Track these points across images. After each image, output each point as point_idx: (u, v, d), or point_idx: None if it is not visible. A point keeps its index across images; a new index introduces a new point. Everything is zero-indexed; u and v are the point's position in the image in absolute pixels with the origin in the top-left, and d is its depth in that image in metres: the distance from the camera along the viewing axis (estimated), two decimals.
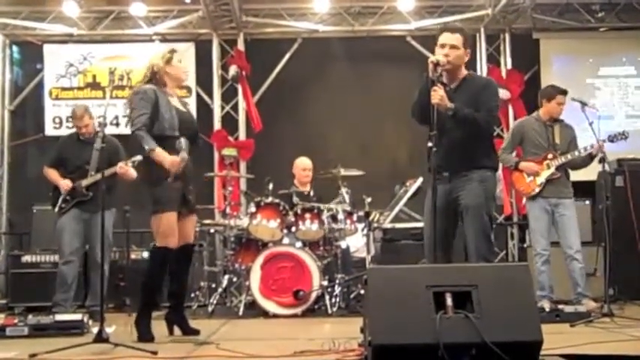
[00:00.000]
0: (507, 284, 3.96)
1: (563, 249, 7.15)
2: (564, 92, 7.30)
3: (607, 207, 6.88)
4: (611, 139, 7.03)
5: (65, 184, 7.19)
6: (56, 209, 7.25)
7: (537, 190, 7.20)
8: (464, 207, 5.01)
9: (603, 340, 5.02)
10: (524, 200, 7.47)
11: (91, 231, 7.20)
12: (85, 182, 7.16)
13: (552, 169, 7.17)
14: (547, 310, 6.49)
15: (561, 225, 7.16)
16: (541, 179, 7.19)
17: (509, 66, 10.37)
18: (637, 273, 7.87)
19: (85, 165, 7.20)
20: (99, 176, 6.99)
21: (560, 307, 6.56)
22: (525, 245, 9.45)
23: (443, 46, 5.08)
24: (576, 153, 7.13)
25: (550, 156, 7.20)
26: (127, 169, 6.91)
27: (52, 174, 7.36)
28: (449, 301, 3.79)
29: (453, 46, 5.06)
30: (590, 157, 7.11)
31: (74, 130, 7.58)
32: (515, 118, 10.09)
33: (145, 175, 5.66)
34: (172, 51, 5.73)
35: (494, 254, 5.24)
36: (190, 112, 5.81)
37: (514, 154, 7.50)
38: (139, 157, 6.75)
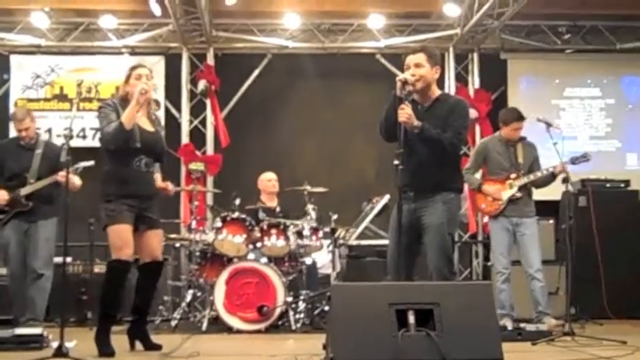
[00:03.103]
0: (469, 303, 3.99)
1: (524, 268, 7.20)
2: (520, 118, 7.28)
3: (570, 227, 6.95)
4: (573, 161, 7.07)
5: (1, 196, 6.80)
6: None
7: (499, 209, 7.22)
8: (426, 227, 4.99)
9: (564, 359, 5.07)
10: (485, 219, 7.47)
11: (30, 241, 6.90)
12: (24, 191, 6.81)
13: (514, 190, 7.18)
14: (509, 328, 6.54)
15: (522, 244, 7.19)
16: (503, 200, 7.20)
17: (477, 85, 10.47)
18: (598, 292, 7.96)
19: (24, 173, 6.87)
20: (39, 185, 6.81)
21: (522, 325, 6.62)
22: (489, 264, 9.52)
23: (408, 67, 5.09)
24: (539, 173, 7.15)
25: (513, 176, 7.22)
26: (70, 177, 6.39)
27: None
28: (411, 319, 3.81)
29: (417, 65, 5.05)
30: (553, 177, 7.12)
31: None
32: (481, 137, 10.21)
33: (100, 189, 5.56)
34: (133, 67, 5.65)
35: (454, 274, 5.24)
36: (158, 132, 5.70)
37: (479, 173, 7.52)
38: (82, 165, 6.64)
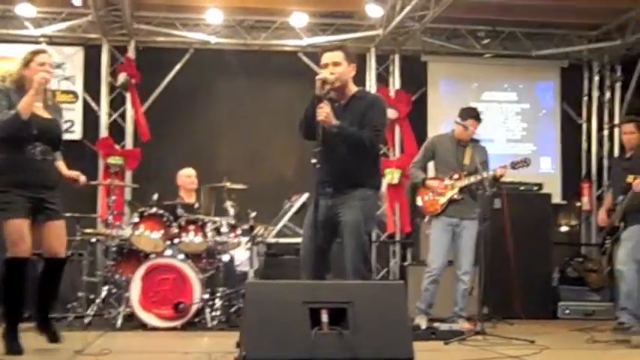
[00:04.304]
0: (382, 302, 4.05)
1: (454, 269, 7.27)
2: (476, 118, 7.27)
3: (484, 228, 7.08)
4: (514, 165, 7.03)
5: None
6: None
7: (440, 209, 7.19)
8: (343, 224, 5.04)
9: (475, 358, 5.18)
10: (426, 218, 7.46)
11: None
12: None
13: (455, 190, 7.15)
14: (423, 327, 6.64)
15: (457, 245, 7.20)
16: (444, 199, 7.17)
17: (397, 86, 10.58)
18: (510, 293, 8.13)
19: None
20: None
21: (436, 325, 6.72)
22: (406, 264, 9.65)
23: (326, 65, 5.12)
24: (479, 176, 7.00)
25: (456, 176, 7.17)
26: None
27: None
28: (324, 317, 3.84)
29: (335, 64, 5.09)
30: (495, 180, 7.05)
31: None
32: (401, 138, 10.34)
33: None
34: (35, 52, 5.39)
35: (370, 272, 5.29)
36: (55, 119, 5.46)
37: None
38: None
